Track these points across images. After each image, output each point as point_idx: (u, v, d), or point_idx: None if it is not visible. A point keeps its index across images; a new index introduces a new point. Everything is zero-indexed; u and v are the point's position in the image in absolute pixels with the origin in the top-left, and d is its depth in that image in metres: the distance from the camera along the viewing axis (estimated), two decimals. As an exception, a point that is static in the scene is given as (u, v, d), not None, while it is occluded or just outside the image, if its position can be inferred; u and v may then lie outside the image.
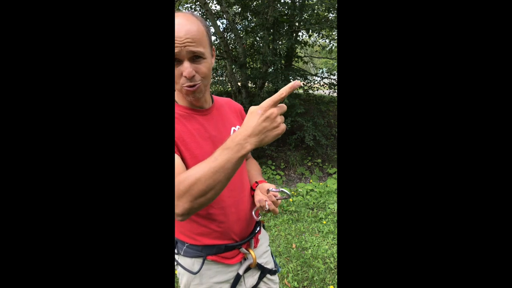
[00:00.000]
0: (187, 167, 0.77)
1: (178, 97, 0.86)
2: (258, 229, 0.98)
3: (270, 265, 1.04)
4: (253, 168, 1.06)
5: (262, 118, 0.61)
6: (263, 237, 1.05)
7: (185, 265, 0.89)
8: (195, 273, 0.86)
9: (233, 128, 0.93)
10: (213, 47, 0.85)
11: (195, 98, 0.81)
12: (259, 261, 0.98)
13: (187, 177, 0.64)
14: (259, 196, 0.89)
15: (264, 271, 0.99)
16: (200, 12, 5.80)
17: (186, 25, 0.73)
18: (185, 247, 0.88)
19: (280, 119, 0.62)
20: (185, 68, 0.74)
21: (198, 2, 4.93)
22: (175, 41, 0.72)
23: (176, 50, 0.72)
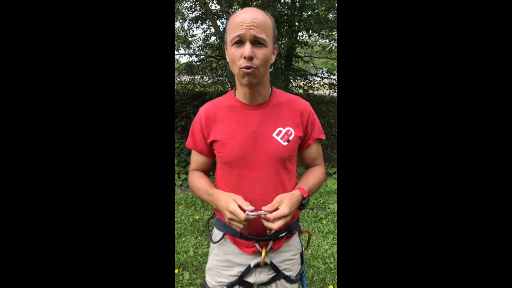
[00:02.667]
0: (221, 148, 0.90)
1: (237, 89, 0.93)
2: (283, 234, 0.94)
3: (290, 273, 1.01)
4: (311, 175, 0.99)
5: (223, 211, 0.82)
6: (294, 246, 1.01)
7: (213, 234, 1.03)
8: (214, 242, 0.99)
9: (279, 129, 0.90)
10: (276, 45, 0.88)
11: (250, 82, 0.83)
12: (277, 264, 0.97)
13: (192, 181, 0.99)
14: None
15: (279, 274, 0.98)
16: (200, 12, 5.80)
17: (254, 13, 0.80)
18: (216, 219, 1.01)
19: (229, 220, 0.81)
20: (246, 49, 0.78)
21: (198, 2, 4.93)
22: (242, 23, 0.78)
23: (242, 31, 0.78)
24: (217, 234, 1.01)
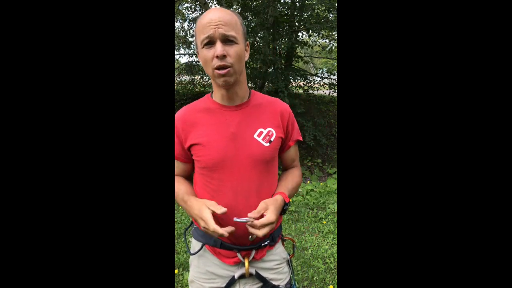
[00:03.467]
0: (200, 151, 0.87)
1: (214, 92, 0.90)
2: (266, 243, 0.91)
3: (278, 283, 0.96)
4: (290, 179, 0.98)
5: (197, 218, 0.81)
6: (278, 255, 0.98)
7: (190, 244, 0.99)
8: (191, 254, 0.94)
9: (260, 130, 0.88)
10: (248, 42, 0.87)
11: (226, 82, 0.81)
12: (263, 274, 0.93)
13: (176, 185, 0.92)
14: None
15: (266, 285, 0.94)
16: (200, 12, 5.79)
17: (219, 12, 0.79)
18: (193, 229, 0.96)
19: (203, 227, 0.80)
20: (218, 48, 0.77)
21: (198, 2, 4.93)
22: (210, 24, 0.76)
23: (210, 32, 0.76)
24: (195, 244, 0.95)
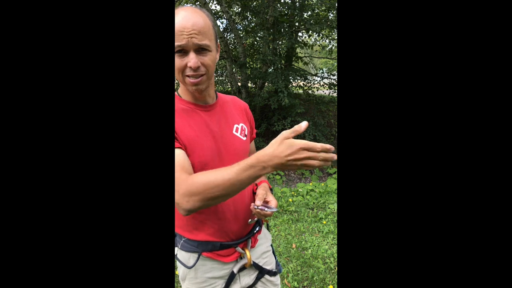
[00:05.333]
0: (190, 155, 0.80)
1: (182, 91, 0.87)
2: (257, 229, 0.97)
3: (270, 266, 1.02)
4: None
5: (291, 157, 0.61)
6: (264, 237, 1.04)
7: (181, 259, 0.91)
8: (189, 267, 0.88)
9: (235, 126, 0.92)
10: (218, 41, 0.86)
11: (198, 90, 0.81)
12: (257, 261, 0.97)
13: (206, 179, 0.69)
14: (252, 203, 0.88)
15: (262, 272, 0.98)
16: (200, 12, 5.78)
17: (192, 17, 0.75)
18: (182, 241, 0.90)
19: (307, 159, 0.62)
20: (191, 59, 0.75)
21: (198, 2, 4.93)
22: (182, 33, 0.73)
23: (183, 42, 0.74)
24: (188, 257, 0.89)
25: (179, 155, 0.75)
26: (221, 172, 0.68)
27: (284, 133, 0.63)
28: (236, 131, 0.91)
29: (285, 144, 0.62)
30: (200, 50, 0.76)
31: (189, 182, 0.70)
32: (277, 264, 1.08)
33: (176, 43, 0.74)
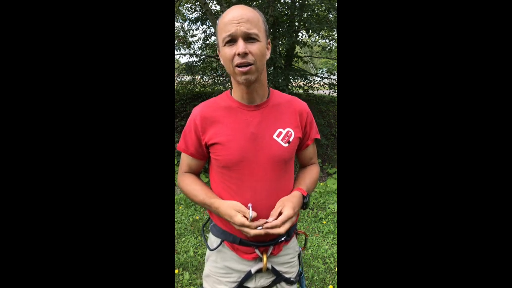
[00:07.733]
0: (220, 152, 0.87)
1: (234, 90, 0.89)
2: (282, 239, 0.92)
3: (290, 275, 1.00)
4: (308, 174, 1.00)
5: (231, 220, 0.81)
6: (291, 249, 1.00)
7: (208, 241, 1.00)
8: (211, 250, 0.95)
9: (279, 130, 0.88)
10: (269, 40, 0.86)
11: (247, 80, 0.80)
12: (278, 268, 0.96)
13: (185, 187, 0.95)
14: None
15: (279, 277, 0.97)
16: (200, 12, 5.79)
17: (242, 9, 0.78)
18: (212, 225, 0.98)
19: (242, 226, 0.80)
20: (239, 46, 0.76)
21: (198, 2, 4.92)
22: (232, 21, 0.76)
23: (232, 30, 0.76)
24: (214, 240, 0.97)
25: (183, 157, 0.96)
26: (197, 190, 0.91)
27: (237, 206, 0.81)
28: (278, 135, 0.88)
29: (229, 212, 0.81)
30: (249, 38, 0.77)
31: (179, 179, 0.98)
32: (300, 276, 1.05)
33: (225, 33, 0.76)
